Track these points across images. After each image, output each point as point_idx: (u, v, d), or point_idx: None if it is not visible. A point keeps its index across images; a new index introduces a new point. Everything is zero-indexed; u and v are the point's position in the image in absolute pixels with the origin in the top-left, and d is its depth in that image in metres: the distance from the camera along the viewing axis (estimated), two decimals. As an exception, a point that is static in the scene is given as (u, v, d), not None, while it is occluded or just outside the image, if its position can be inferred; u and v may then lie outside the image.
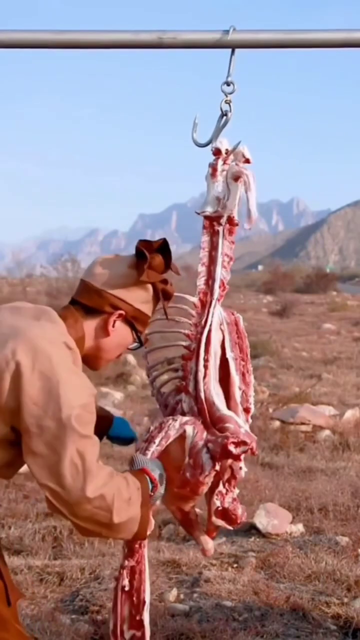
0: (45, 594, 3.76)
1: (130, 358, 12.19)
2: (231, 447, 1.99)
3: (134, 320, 1.96)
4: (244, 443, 2.00)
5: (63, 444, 1.72)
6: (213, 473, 2.04)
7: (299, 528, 4.69)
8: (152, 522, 1.94)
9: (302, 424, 7.47)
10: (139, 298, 1.95)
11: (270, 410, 8.13)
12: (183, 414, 2.14)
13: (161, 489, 1.98)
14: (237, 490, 2.17)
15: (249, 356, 2.21)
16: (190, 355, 2.13)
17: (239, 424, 2.07)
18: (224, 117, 2.05)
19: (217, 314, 2.15)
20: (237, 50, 1.89)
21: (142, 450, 2.06)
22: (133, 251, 1.96)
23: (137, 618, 2.05)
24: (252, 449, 2.05)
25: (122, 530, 1.84)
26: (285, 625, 3.39)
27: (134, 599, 2.06)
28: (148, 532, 1.92)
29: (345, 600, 3.62)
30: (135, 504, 1.84)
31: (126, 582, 2.06)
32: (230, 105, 2.01)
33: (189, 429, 2.05)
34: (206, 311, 2.14)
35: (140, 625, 2.05)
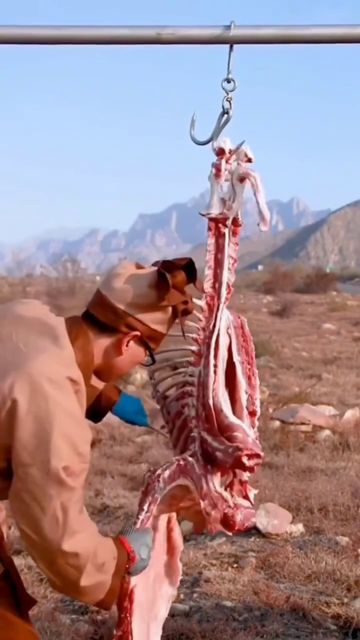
0: (45, 594, 3.76)
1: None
2: (245, 460, 1.96)
3: (148, 340, 1.90)
4: (257, 456, 1.97)
5: (46, 496, 1.66)
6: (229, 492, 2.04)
7: (299, 528, 4.68)
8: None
9: (302, 424, 7.46)
10: (157, 319, 1.88)
11: (270, 410, 8.11)
12: (187, 419, 2.11)
13: (142, 562, 1.92)
14: (254, 492, 2.13)
15: (254, 359, 2.19)
16: (198, 360, 2.10)
17: (247, 432, 2.04)
18: (225, 115, 2.02)
19: (225, 317, 2.12)
20: (237, 47, 1.87)
21: (132, 522, 2.04)
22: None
23: None
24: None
25: (87, 593, 1.79)
26: (285, 625, 3.39)
27: None
28: (113, 604, 1.88)
29: (345, 600, 3.62)
30: (107, 572, 1.79)
31: None
32: (230, 103, 1.98)
33: (186, 482, 2.02)
34: (214, 315, 2.10)
35: None
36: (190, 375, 2.10)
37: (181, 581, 3.90)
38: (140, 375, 10.77)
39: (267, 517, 4.61)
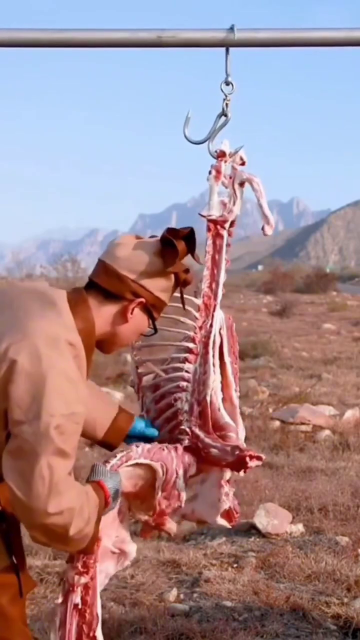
0: (45, 594, 3.76)
1: (130, 358, 12.16)
2: (248, 460, 2.02)
3: (152, 308, 1.93)
4: (259, 458, 2.04)
5: (35, 452, 1.66)
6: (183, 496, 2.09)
7: (299, 528, 4.68)
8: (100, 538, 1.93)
9: (302, 424, 7.47)
10: (161, 286, 1.92)
11: (270, 410, 8.13)
12: (178, 412, 2.14)
13: (113, 504, 1.94)
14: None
15: (238, 359, 2.25)
16: (194, 358, 2.13)
17: (239, 434, 2.11)
18: (225, 118, 2.04)
19: (219, 318, 2.16)
20: (238, 49, 1.88)
21: (103, 461, 2.04)
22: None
23: (91, 635, 2.00)
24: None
25: (73, 545, 1.80)
26: (285, 625, 3.39)
27: (87, 615, 2.01)
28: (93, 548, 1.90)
29: (345, 600, 3.62)
30: (91, 523, 1.80)
31: (79, 599, 2.00)
32: (228, 106, 2.01)
33: (157, 468, 2.04)
34: (210, 315, 2.14)
35: None
36: (187, 372, 2.13)
37: (181, 581, 3.93)
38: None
39: (267, 517, 4.61)
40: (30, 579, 2.00)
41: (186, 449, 2.11)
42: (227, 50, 1.88)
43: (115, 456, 2.05)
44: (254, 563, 4.11)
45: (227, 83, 1.95)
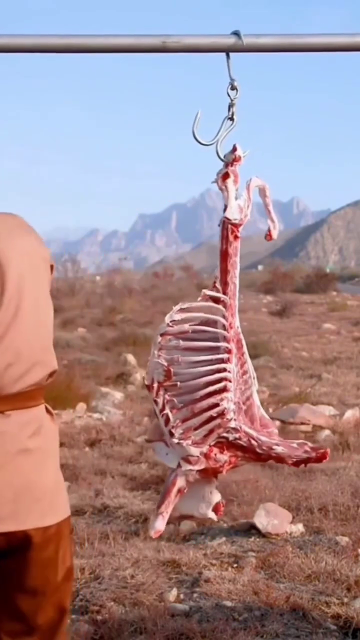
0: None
1: (131, 358, 12.18)
2: (328, 454, 2.09)
3: None
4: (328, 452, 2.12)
5: None
6: None
7: (299, 528, 4.69)
8: None
9: (302, 423, 7.49)
10: None
11: (271, 410, 8.14)
12: (224, 412, 2.18)
13: None
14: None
15: None
16: (231, 357, 2.19)
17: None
18: (231, 122, 2.09)
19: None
20: (241, 54, 1.90)
21: None
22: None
23: None
24: None
25: None
26: (285, 625, 3.40)
27: None
28: None
29: (345, 600, 3.63)
30: None
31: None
32: (235, 110, 2.05)
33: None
34: (235, 314, 2.21)
35: None
36: (229, 372, 2.18)
37: (181, 581, 3.94)
38: (140, 375, 10.78)
39: (267, 517, 4.63)
40: None
41: (233, 444, 2.16)
42: (227, 56, 1.90)
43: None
44: (254, 563, 4.12)
45: (233, 87, 1.98)
